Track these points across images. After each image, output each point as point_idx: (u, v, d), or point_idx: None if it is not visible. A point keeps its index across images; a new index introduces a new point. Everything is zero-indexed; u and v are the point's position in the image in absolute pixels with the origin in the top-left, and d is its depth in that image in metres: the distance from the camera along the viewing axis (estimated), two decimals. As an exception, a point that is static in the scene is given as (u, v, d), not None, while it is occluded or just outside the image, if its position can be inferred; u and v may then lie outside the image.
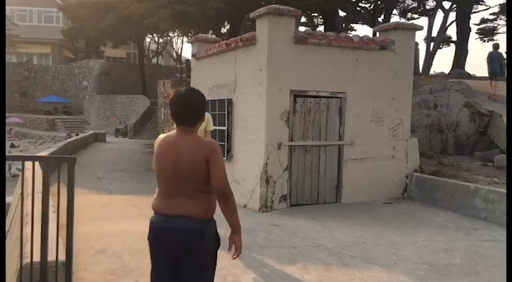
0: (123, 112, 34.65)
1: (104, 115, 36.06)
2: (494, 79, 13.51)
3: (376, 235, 6.42)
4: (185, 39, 39.40)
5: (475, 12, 26.35)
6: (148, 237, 2.78)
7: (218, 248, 2.81)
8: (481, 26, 30.01)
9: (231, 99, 9.20)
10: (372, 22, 24.91)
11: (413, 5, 28.53)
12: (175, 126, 2.81)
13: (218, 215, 2.76)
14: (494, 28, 29.64)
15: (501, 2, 25.59)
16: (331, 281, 4.57)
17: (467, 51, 23.98)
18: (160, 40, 44.13)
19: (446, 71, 23.44)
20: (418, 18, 29.47)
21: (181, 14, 19.43)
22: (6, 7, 33.88)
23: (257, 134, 8.28)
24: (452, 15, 25.29)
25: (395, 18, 28.83)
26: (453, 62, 23.52)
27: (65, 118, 37.25)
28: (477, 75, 21.01)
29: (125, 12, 25.16)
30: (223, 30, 28.15)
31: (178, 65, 28.90)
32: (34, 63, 43.65)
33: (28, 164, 3.61)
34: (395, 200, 8.82)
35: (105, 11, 28.83)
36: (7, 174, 16.69)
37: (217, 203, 2.73)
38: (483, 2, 25.67)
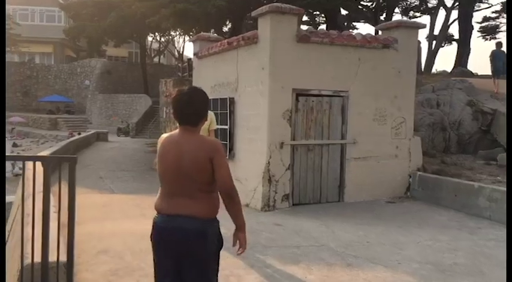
0: (125, 111, 34.69)
1: (106, 114, 36.09)
2: (497, 77, 13.44)
3: (379, 234, 6.38)
4: (187, 38, 39.56)
5: (477, 10, 26.30)
6: (151, 237, 2.76)
7: (221, 249, 2.78)
8: (483, 24, 29.96)
9: (233, 98, 9.17)
10: (374, 20, 24.86)
11: (415, 3, 28.50)
12: (177, 125, 2.78)
13: (221, 215, 2.74)
14: (497, 26, 29.56)
15: (503, 0, 25.45)
16: None
17: (470, 50, 23.87)
18: (162, 39, 44.22)
19: (449, 70, 23.42)
20: (420, 16, 29.41)
21: (183, 12, 19.44)
22: (8, 6, 34.04)
23: (259, 133, 8.24)
24: (454, 14, 25.27)
25: (397, 17, 28.89)
26: (455, 61, 23.41)
27: (67, 117, 37.22)
28: (480, 73, 20.95)
29: (127, 11, 25.19)
30: (225, 29, 28.17)
31: (180, 64, 28.98)
32: (36, 63, 43.72)
33: (29, 164, 3.59)
34: (398, 199, 8.78)
35: (107, 10, 28.81)
36: (10, 174, 16.77)
37: (221, 202, 2.71)
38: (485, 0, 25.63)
